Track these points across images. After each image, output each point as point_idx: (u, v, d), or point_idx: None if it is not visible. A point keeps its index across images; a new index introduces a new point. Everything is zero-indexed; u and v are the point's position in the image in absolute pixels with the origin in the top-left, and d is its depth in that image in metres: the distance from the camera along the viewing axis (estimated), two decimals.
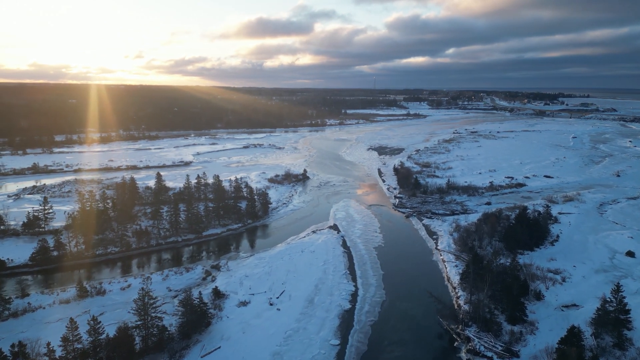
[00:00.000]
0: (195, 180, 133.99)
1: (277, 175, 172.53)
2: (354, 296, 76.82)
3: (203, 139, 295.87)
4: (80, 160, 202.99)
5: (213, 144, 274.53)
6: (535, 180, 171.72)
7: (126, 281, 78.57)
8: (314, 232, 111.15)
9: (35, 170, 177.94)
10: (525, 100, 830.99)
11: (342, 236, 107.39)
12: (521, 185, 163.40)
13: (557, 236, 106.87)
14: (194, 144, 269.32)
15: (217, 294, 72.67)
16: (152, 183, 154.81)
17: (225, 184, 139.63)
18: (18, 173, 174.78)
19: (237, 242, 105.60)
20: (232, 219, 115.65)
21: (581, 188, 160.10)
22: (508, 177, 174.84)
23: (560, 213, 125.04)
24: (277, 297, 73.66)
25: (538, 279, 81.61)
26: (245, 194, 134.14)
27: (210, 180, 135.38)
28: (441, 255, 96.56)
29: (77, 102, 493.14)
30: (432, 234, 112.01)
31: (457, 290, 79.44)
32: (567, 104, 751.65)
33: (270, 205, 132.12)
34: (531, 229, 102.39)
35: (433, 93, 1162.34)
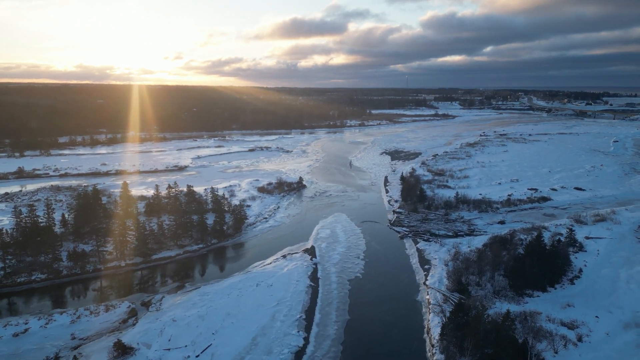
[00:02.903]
0: (166, 190, 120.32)
1: (269, 184, 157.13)
2: (298, 355, 60.06)
3: (212, 141, 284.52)
4: (73, 163, 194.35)
5: (219, 146, 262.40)
6: (563, 193, 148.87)
7: (26, 323, 64.74)
8: (284, 256, 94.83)
9: (20, 175, 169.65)
10: (565, 100, 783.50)
11: (315, 263, 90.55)
12: (545, 199, 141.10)
13: (580, 270, 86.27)
14: (199, 147, 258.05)
15: (122, 349, 57.62)
16: (135, 191, 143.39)
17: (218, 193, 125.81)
18: (1, 178, 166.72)
19: (189, 268, 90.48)
20: (194, 238, 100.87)
21: (617, 204, 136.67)
22: (531, 189, 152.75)
23: (587, 237, 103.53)
24: (197, 356, 57.90)
25: (545, 337, 62.20)
26: (225, 207, 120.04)
27: (183, 189, 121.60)
28: (428, 295, 78.30)
29: (103, 103, 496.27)
30: (424, 262, 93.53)
31: (434, 350, 61.38)
32: (611, 104, 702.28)
33: (246, 221, 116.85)
34: (546, 262, 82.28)
35: (468, 92, 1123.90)
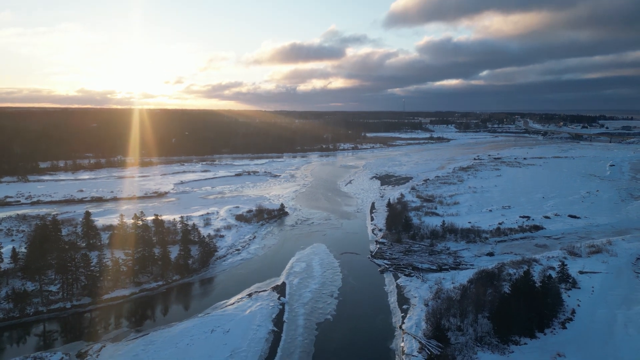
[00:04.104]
0: (132, 220, 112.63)
1: (249, 211, 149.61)
2: None
3: (199, 166, 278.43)
4: (48, 190, 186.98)
5: (205, 171, 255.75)
6: (556, 222, 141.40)
7: None
8: (249, 295, 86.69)
9: None
10: (561, 123, 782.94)
11: (282, 303, 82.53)
12: (538, 228, 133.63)
13: (573, 312, 78.27)
14: (184, 172, 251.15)
15: None
16: (104, 220, 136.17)
17: (188, 222, 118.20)
18: None
19: (142, 310, 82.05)
20: (153, 274, 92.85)
21: (614, 233, 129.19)
22: (523, 217, 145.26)
23: (581, 272, 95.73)
24: None
25: None
26: (194, 238, 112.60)
27: (151, 219, 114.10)
28: (403, 342, 70.09)
29: (97, 127, 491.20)
30: (403, 301, 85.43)
31: None
32: (607, 127, 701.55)
33: (216, 253, 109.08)
34: (534, 302, 74.37)
35: (464, 115, 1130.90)
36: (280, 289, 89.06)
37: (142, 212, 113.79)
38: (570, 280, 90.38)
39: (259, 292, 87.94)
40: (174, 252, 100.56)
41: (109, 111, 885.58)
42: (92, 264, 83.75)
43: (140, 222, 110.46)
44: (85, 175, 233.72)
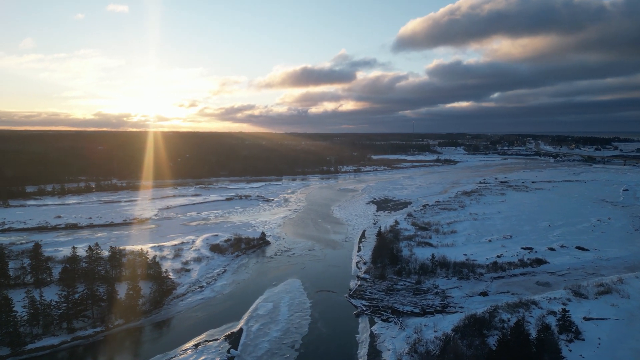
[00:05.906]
0: (87, 252, 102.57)
1: (227, 241, 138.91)
2: None
3: (192, 189, 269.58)
4: (25, 216, 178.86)
5: (196, 195, 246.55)
6: (562, 254, 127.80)
7: None
8: (196, 346, 74.99)
9: None
10: (574, 145, 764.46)
11: (231, 357, 70.67)
12: (540, 262, 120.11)
13: None
14: (174, 196, 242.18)
15: None
16: (68, 251, 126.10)
17: (162, 252, 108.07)
18: None
19: None
20: (93, 318, 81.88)
21: (626, 268, 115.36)
22: (525, 249, 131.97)
23: (586, 319, 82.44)
24: None
25: None
26: (153, 273, 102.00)
27: (106, 252, 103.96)
28: None
29: (102, 149, 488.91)
30: (375, 355, 73.00)
31: None
32: (621, 149, 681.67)
33: (175, 291, 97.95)
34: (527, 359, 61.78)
35: (475, 137, 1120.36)
36: (235, 338, 77.29)
37: (96, 244, 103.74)
38: (573, 330, 77.09)
39: (209, 341, 76.29)
40: (125, 290, 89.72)
41: (123, 134, 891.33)
42: (13, 307, 73.05)
43: (94, 255, 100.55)
44: (72, 200, 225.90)
